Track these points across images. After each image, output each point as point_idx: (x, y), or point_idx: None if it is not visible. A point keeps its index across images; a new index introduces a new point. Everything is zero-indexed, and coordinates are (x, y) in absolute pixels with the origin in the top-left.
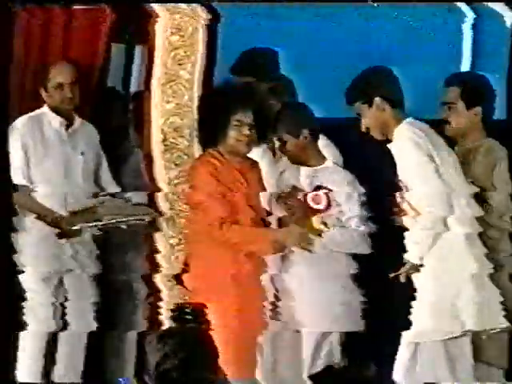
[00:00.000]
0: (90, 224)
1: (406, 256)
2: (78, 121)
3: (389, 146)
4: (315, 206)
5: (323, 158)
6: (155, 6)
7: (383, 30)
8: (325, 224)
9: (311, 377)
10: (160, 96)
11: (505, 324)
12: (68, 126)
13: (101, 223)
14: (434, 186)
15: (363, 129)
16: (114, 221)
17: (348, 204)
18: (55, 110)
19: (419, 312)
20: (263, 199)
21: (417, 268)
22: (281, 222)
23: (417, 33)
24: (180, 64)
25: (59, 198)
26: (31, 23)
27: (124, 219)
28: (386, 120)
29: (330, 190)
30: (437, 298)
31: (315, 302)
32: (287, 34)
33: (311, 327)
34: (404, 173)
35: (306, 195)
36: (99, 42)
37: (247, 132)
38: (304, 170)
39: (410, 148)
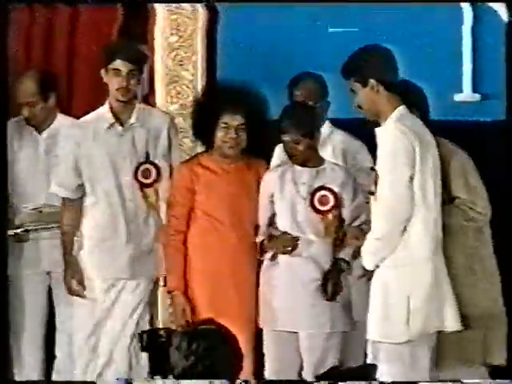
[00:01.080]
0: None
1: (362, 262)
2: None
3: (376, 129)
4: (322, 208)
5: (322, 159)
6: (155, 6)
7: (384, 30)
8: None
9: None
10: (164, 97)
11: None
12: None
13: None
14: (399, 195)
15: (355, 105)
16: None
17: (353, 204)
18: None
19: (372, 315)
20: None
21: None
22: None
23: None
24: (181, 65)
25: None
26: (30, 23)
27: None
28: (378, 102)
29: (334, 191)
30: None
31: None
32: (286, 34)
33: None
34: (379, 166)
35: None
36: (103, 41)
37: (233, 135)
38: (306, 170)
39: (391, 148)
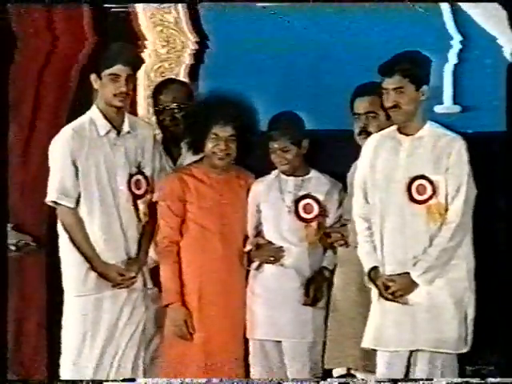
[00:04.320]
0: None
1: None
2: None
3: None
4: (306, 216)
5: (308, 168)
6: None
7: (365, 40)
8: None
9: None
10: (145, 108)
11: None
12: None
13: None
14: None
15: (390, 104)
16: None
17: (338, 212)
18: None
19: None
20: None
21: None
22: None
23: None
24: (163, 77)
25: None
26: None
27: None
28: (419, 106)
29: (318, 200)
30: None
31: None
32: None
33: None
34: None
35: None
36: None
37: (223, 146)
38: (291, 180)
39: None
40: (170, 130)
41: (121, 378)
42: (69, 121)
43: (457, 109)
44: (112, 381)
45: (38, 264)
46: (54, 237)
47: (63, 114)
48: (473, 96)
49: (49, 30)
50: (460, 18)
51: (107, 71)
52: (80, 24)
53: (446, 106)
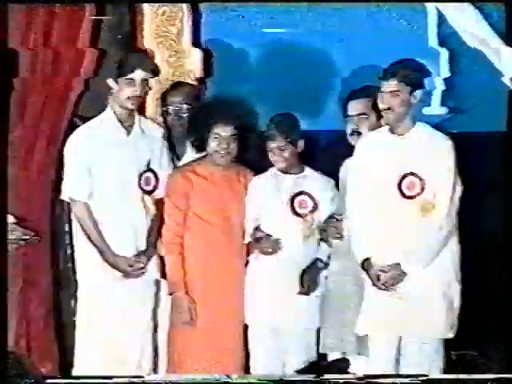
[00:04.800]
0: None
1: None
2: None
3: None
4: (301, 211)
5: (303, 167)
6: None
7: (357, 43)
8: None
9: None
10: (154, 109)
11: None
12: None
13: None
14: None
15: (384, 107)
16: None
17: (331, 207)
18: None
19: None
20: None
21: None
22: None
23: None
24: (172, 81)
25: None
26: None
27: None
28: (411, 108)
29: (312, 196)
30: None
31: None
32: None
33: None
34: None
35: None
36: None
37: (224, 145)
38: (288, 177)
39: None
40: (176, 130)
41: (128, 374)
42: (72, 123)
43: (444, 110)
44: (120, 377)
45: (42, 257)
46: (57, 231)
47: (66, 117)
48: (460, 99)
49: (48, 40)
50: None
51: (127, 76)
52: (79, 32)
53: (433, 107)
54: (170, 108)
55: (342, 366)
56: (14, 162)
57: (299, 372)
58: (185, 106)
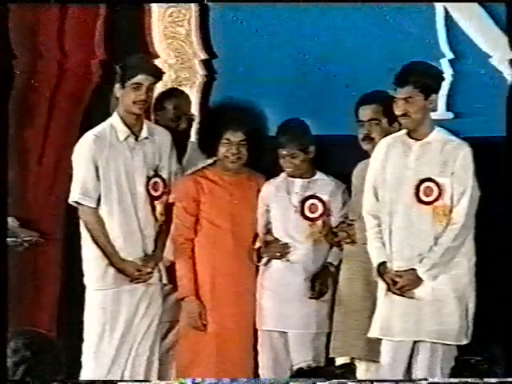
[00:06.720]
0: None
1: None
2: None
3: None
4: (311, 215)
5: (315, 171)
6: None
7: (365, 44)
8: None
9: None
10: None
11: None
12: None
13: None
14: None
15: (399, 112)
16: None
17: (341, 212)
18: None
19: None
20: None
21: None
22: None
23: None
24: (179, 86)
25: None
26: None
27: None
28: (427, 115)
29: (323, 200)
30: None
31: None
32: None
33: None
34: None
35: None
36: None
37: (235, 151)
38: (298, 181)
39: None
40: (176, 131)
41: (135, 378)
42: (82, 126)
43: (450, 115)
44: (127, 381)
45: (48, 259)
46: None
47: (77, 121)
48: (466, 104)
49: (59, 44)
50: (453, 29)
51: (132, 80)
52: (90, 35)
53: (439, 112)
54: (160, 113)
55: (348, 370)
56: (20, 163)
57: (305, 376)
58: (174, 114)
